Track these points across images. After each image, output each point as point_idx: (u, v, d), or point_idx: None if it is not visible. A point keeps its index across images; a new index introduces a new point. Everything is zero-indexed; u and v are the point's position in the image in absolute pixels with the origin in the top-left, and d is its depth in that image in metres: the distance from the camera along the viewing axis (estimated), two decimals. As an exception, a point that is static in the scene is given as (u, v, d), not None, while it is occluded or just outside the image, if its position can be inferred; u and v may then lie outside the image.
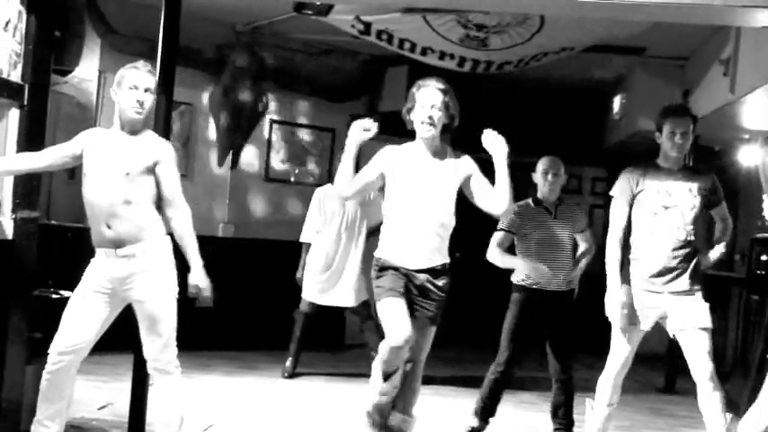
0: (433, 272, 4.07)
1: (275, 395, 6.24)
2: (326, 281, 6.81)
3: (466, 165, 4.14)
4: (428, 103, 4.00)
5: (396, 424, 4.26)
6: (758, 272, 6.69)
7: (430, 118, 3.99)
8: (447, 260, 4.14)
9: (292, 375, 6.85)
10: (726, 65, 6.27)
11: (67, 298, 4.70)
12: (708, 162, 8.07)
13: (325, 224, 6.81)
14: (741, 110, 6.41)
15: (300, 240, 6.87)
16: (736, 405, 6.62)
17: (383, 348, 4.03)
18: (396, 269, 4.04)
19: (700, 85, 7.07)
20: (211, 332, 6.97)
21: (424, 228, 4.03)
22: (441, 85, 4.06)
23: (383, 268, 4.09)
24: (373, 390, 4.15)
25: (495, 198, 4.07)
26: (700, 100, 7.06)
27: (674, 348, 5.74)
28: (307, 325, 6.88)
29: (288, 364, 6.87)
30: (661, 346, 6.81)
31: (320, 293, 6.84)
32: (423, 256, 4.04)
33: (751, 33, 5.67)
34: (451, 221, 4.12)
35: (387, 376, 4.10)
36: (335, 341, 8.36)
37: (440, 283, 4.09)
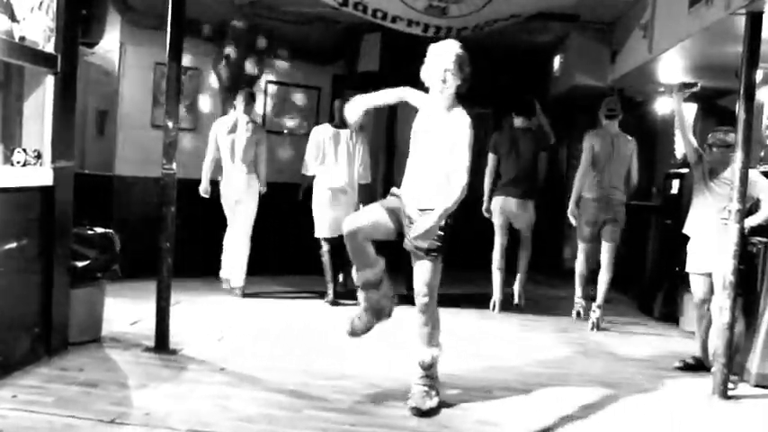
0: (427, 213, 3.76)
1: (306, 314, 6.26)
2: (332, 217, 6.52)
3: (458, 128, 3.79)
4: (441, 67, 3.80)
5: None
6: (670, 200, 6.82)
7: (443, 81, 3.81)
8: (437, 200, 3.76)
9: (336, 303, 6.50)
10: (645, 29, 6.27)
11: (101, 234, 4.81)
12: (630, 111, 8.19)
13: (320, 159, 6.67)
14: (657, 67, 6.42)
15: (302, 173, 6.78)
16: (651, 309, 6.87)
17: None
18: (396, 200, 3.88)
19: (624, 46, 7.08)
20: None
21: (425, 172, 3.83)
22: (457, 51, 3.84)
23: (390, 196, 3.95)
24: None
25: (452, 180, 3.72)
26: (624, 59, 7.09)
27: (596, 269, 6.28)
28: (333, 254, 6.58)
29: (329, 292, 6.57)
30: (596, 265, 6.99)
31: (329, 229, 6.59)
32: (420, 198, 3.82)
33: (664, 2, 5.69)
34: (455, 169, 3.73)
35: (360, 265, 3.88)
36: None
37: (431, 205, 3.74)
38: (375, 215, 3.86)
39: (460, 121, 3.83)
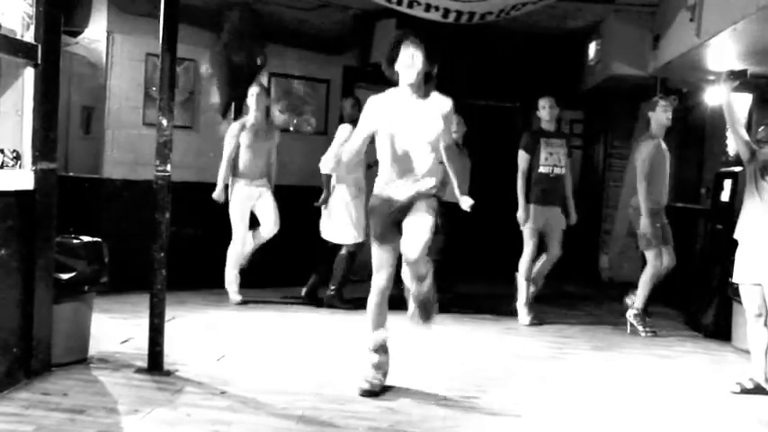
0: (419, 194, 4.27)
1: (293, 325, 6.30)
2: (325, 217, 7.01)
3: (444, 103, 4.31)
4: (409, 52, 4.19)
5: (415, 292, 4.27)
6: (722, 203, 6.75)
7: (411, 63, 4.18)
8: (433, 183, 4.31)
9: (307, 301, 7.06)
10: (692, 10, 6.23)
11: (88, 242, 4.79)
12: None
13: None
14: (706, 53, 6.38)
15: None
16: (700, 324, 6.78)
17: (372, 290, 4.35)
18: (383, 203, 4.28)
19: (668, 30, 7.03)
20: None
21: (410, 162, 4.23)
22: (418, 42, 4.24)
23: (371, 209, 4.37)
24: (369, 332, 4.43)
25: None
26: (668, 44, 7.04)
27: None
28: (324, 257, 7.05)
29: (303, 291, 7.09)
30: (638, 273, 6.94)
31: (323, 229, 7.02)
32: (409, 188, 4.24)
33: (715, -20, 5.66)
34: (438, 153, 4.34)
35: (377, 324, 4.37)
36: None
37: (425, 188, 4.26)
38: (392, 253, 4.30)
39: (444, 105, 4.31)
